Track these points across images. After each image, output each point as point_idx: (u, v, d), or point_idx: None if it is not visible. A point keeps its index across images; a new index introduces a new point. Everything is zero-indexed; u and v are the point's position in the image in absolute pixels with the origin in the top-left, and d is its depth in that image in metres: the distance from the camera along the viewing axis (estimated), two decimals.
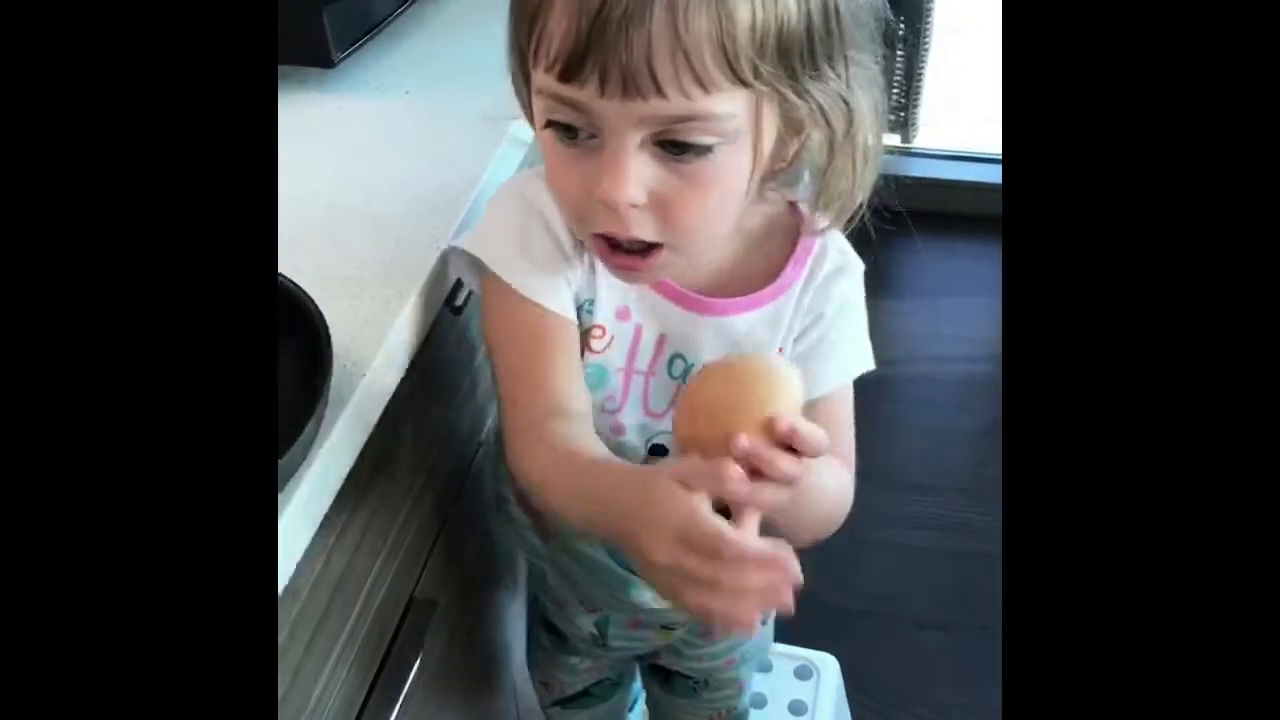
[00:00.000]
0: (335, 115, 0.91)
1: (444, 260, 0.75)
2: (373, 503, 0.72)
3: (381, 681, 0.77)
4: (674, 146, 0.58)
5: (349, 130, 0.90)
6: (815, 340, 0.71)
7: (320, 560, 0.65)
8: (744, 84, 0.56)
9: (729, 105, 0.57)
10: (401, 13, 1.01)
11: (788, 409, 0.54)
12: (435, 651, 0.84)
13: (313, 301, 0.63)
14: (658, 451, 0.74)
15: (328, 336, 0.61)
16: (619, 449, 0.72)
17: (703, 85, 0.55)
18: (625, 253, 0.63)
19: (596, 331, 0.71)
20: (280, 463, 0.54)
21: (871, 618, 1.52)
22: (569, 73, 0.56)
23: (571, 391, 0.67)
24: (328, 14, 0.89)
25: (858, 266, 0.72)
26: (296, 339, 0.61)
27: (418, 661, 0.77)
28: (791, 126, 0.61)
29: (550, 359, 0.67)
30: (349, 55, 0.93)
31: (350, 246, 0.75)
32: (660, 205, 0.60)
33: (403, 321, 0.70)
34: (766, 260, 0.71)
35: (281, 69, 0.93)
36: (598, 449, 0.64)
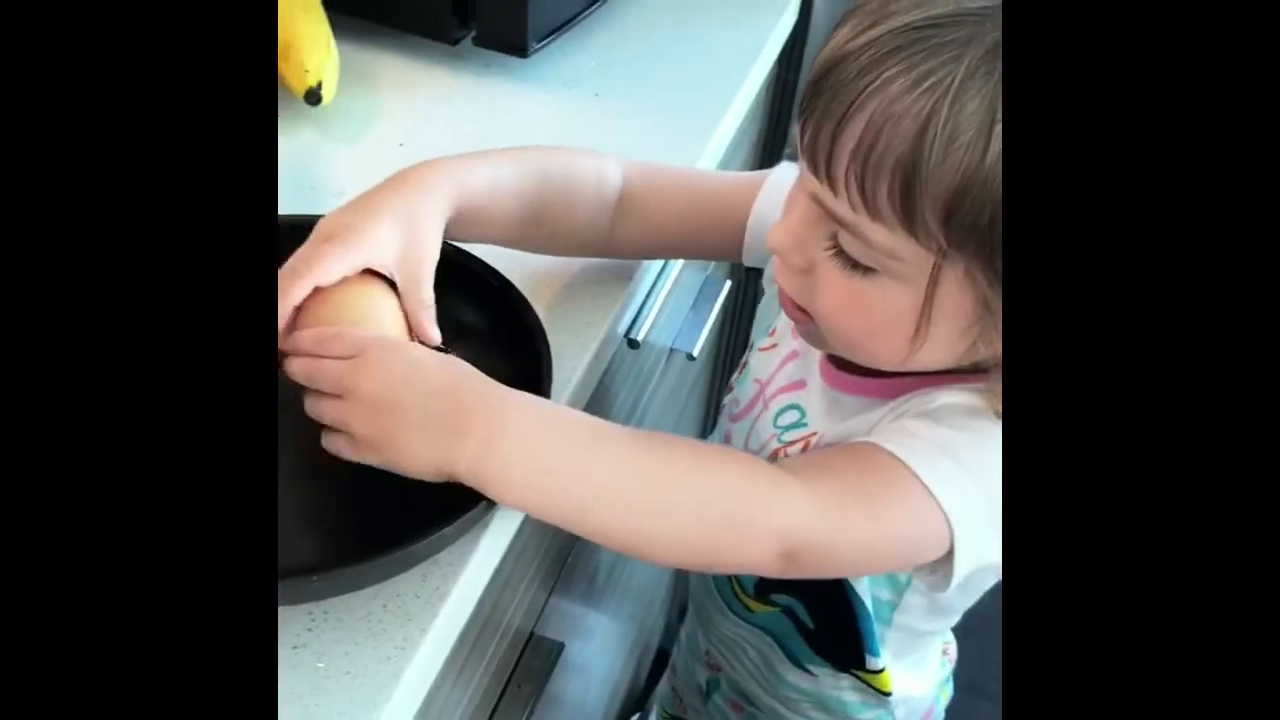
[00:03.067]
0: (523, 107, 0.87)
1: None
2: (527, 534, 0.68)
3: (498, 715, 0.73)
4: (838, 249, 0.52)
5: (537, 125, 0.85)
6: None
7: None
8: (913, 234, 0.48)
9: (894, 244, 0.49)
10: (595, 9, 0.96)
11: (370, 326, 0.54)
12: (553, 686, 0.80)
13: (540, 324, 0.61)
14: None
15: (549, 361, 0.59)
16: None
17: (869, 208, 0.49)
18: (791, 302, 0.58)
19: (771, 331, 0.69)
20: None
21: None
22: (800, 111, 0.52)
23: None
24: (531, 0, 0.84)
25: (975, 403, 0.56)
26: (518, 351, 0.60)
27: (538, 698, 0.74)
28: (984, 304, 0.51)
29: None
30: (543, 46, 0.88)
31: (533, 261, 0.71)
32: (815, 282, 0.54)
33: (592, 357, 0.66)
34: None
35: (473, 52, 0.89)
36: None
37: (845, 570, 0.59)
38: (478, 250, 0.65)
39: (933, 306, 0.50)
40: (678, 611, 1.43)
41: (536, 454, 0.49)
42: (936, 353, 0.53)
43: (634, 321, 0.77)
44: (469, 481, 0.50)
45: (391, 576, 0.52)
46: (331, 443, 0.51)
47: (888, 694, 0.71)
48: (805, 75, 0.94)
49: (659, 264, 0.81)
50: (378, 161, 0.73)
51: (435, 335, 0.56)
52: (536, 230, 0.65)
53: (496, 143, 0.72)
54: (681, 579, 1.35)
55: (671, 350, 0.98)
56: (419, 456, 0.49)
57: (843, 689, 0.72)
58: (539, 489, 0.50)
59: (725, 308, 1.04)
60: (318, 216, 0.58)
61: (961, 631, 0.77)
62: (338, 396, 0.51)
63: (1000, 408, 0.52)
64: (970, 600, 0.66)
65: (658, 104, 0.88)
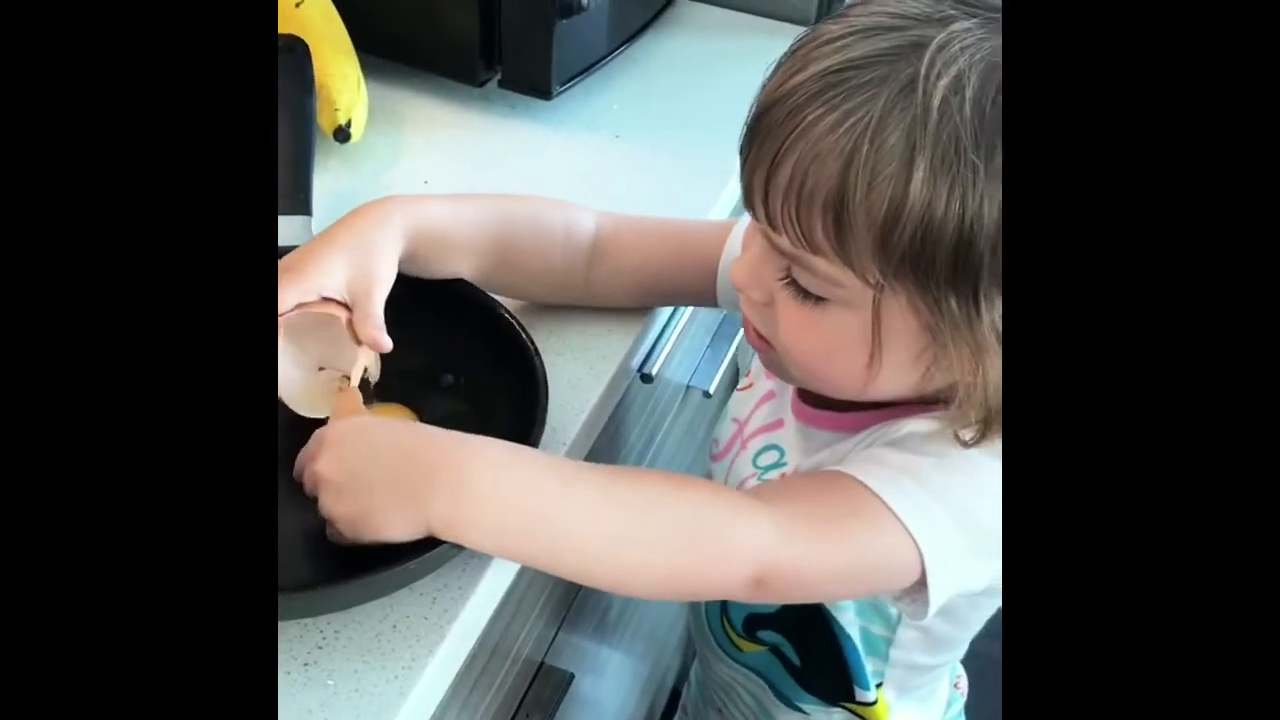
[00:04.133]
0: (545, 148, 0.89)
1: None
2: None
3: None
4: (793, 278, 0.53)
5: (559, 165, 0.87)
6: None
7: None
8: (850, 266, 0.50)
9: (836, 274, 0.50)
10: (622, 51, 0.98)
11: None
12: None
13: (538, 355, 0.63)
14: None
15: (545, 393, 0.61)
16: None
17: (808, 243, 0.50)
18: (755, 332, 0.59)
19: (747, 372, 0.71)
20: None
21: None
22: (740, 155, 0.54)
23: None
24: (556, 43, 0.87)
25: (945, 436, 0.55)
26: (517, 385, 0.62)
27: None
28: (930, 331, 0.51)
29: None
30: (566, 89, 0.91)
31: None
32: (775, 315, 0.56)
33: (605, 389, 0.67)
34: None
35: (498, 94, 0.91)
36: None
37: (816, 594, 0.59)
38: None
39: (881, 334, 0.52)
40: (692, 653, 1.43)
41: (504, 497, 0.50)
42: (894, 381, 0.54)
43: (648, 356, 0.79)
44: (445, 535, 0.50)
45: (398, 589, 0.54)
46: (330, 533, 0.53)
47: None
48: None
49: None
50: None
51: (385, 343, 0.59)
52: (506, 271, 0.67)
53: (519, 182, 0.74)
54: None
55: (688, 387, 0.99)
56: (393, 524, 0.50)
57: None
58: (511, 531, 0.50)
59: (742, 346, 1.06)
60: None
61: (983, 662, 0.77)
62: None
63: (964, 433, 0.52)
64: (970, 631, 0.67)
65: (678, 146, 0.90)
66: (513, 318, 0.65)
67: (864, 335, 0.52)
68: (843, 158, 0.47)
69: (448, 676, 0.55)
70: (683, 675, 1.44)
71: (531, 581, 0.70)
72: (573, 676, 0.79)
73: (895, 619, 0.64)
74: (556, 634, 0.81)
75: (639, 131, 0.92)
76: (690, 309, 0.86)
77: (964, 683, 0.81)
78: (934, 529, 0.51)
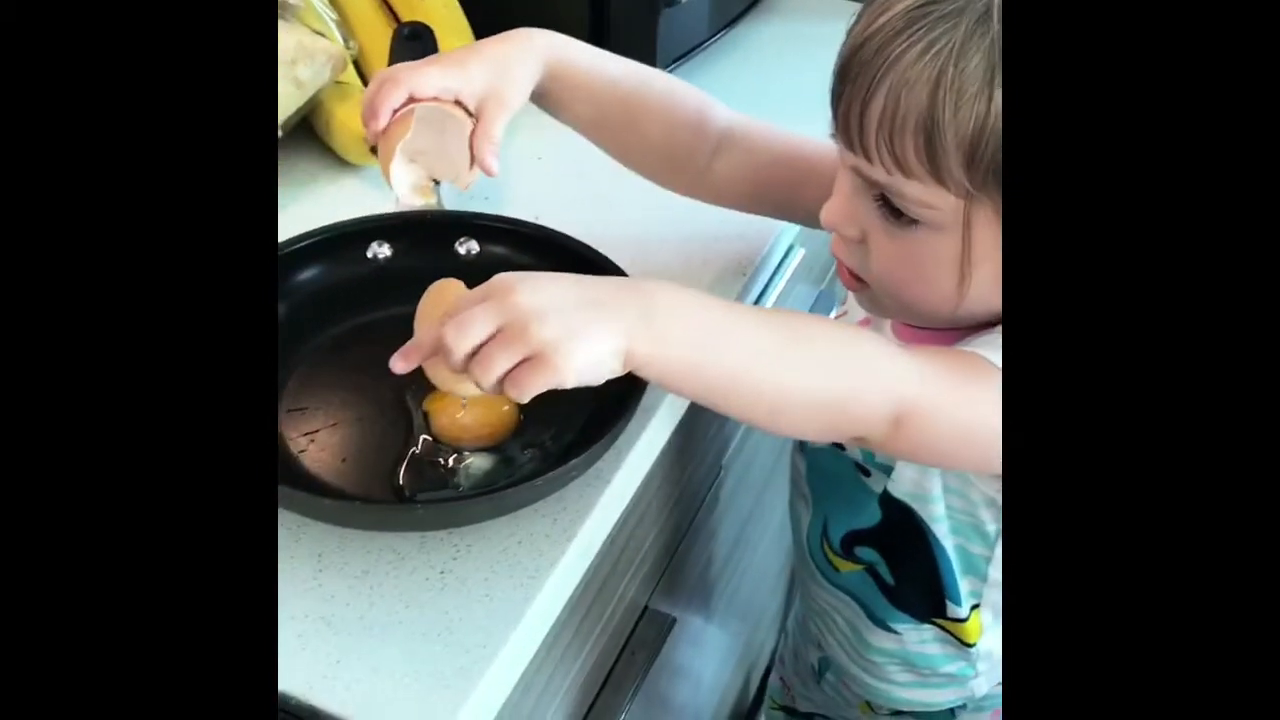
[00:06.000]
0: None
1: None
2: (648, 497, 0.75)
3: (609, 687, 0.78)
4: (887, 206, 0.58)
5: None
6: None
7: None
8: (941, 183, 0.54)
9: (929, 196, 0.55)
10: (722, 35, 1.03)
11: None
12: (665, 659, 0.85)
13: None
14: None
15: None
16: None
17: (901, 168, 0.55)
18: (849, 271, 0.64)
19: (843, 301, 0.76)
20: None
21: None
22: (831, 96, 0.58)
23: None
24: (661, 27, 0.92)
25: None
26: None
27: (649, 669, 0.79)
28: None
29: None
30: (671, 70, 0.96)
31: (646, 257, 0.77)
32: (868, 248, 0.60)
33: None
34: None
35: None
36: None
37: (943, 453, 0.59)
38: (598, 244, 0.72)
39: (971, 248, 0.56)
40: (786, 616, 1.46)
41: (689, 313, 0.52)
42: (984, 298, 0.58)
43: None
44: (641, 352, 0.49)
45: (523, 507, 0.60)
46: (513, 382, 0.49)
47: (971, 645, 0.74)
48: None
49: (769, 271, 0.86)
50: (518, 172, 0.81)
51: (494, 167, 0.63)
52: (629, 133, 0.71)
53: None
54: (791, 585, 1.38)
55: None
56: (602, 338, 0.49)
57: (926, 642, 0.75)
58: (695, 347, 0.51)
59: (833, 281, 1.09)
60: None
61: None
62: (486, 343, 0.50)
63: None
64: None
65: (777, 124, 0.94)
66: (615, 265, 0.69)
67: (954, 256, 0.56)
68: (930, 83, 0.52)
69: (567, 589, 0.60)
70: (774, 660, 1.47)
71: (642, 517, 0.75)
72: (675, 620, 0.84)
73: (993, 536, 0.67)
74: (658, 584, 0.86)
75: (740, 111, 0.96)
76: (787, 278, 0.90)
77: None
78: None
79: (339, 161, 0.87)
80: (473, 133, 0.64)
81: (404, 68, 0.64)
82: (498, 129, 0.64)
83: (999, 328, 0.59)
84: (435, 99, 0.64)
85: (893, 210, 0.57)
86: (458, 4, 0.93)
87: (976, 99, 0.52)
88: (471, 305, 0.50)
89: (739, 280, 0.78)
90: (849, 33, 0.57)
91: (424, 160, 0.65)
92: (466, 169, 0.64)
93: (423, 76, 0.63)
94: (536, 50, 0.67)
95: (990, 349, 0.56)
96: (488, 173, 0.64)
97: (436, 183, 0.65)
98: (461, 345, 0.49)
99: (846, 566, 0.77)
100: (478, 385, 0.50)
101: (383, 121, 0.62)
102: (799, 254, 0.91)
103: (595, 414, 0.63)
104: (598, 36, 0.95)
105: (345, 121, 0.84)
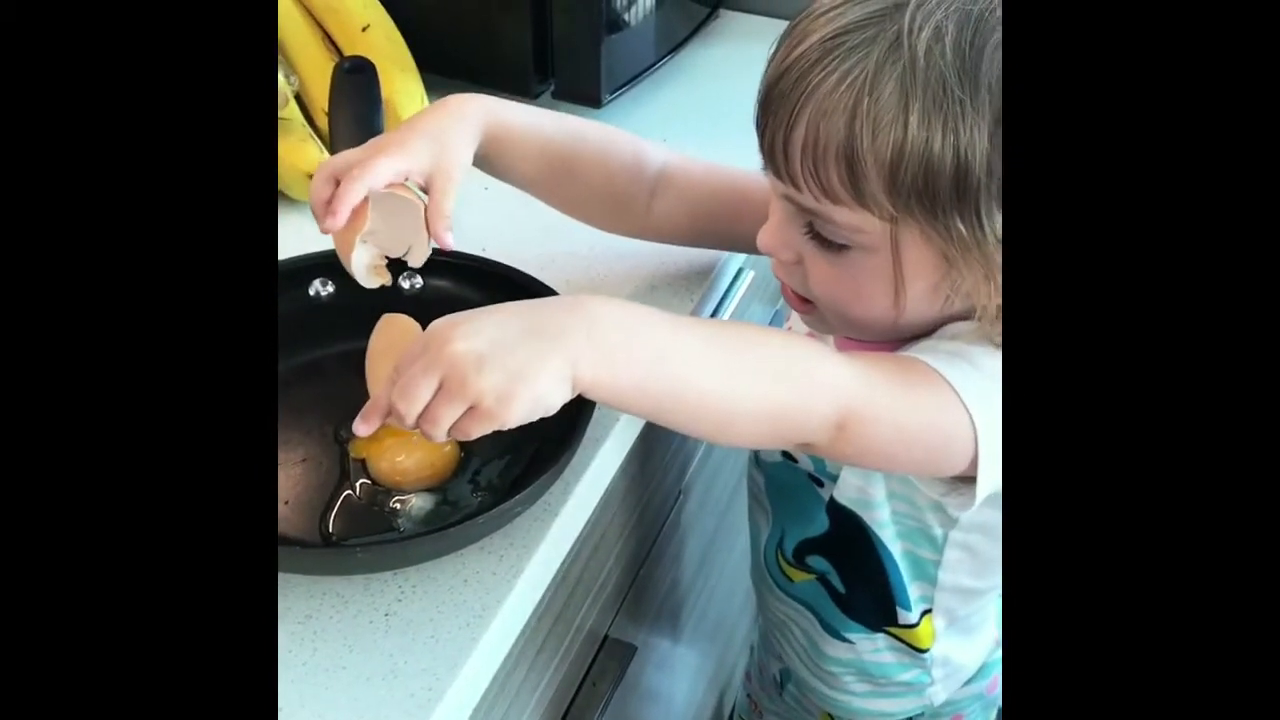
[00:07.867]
0: None
1: None
2: (601, 532, 0.74)
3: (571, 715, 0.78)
4: (818, 234, 0.59)
5: None
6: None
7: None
8: (866, 208, 0.55)
9: (856, 220, 0.56)
10: (668, 60, 1.03)
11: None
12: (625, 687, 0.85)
13: None
14: None
15: None
16: None
17: (827, 195, 0.56)
18: (793, 292, 0.65)
19: (788, 318, 0.76)
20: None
21: None
22: (756, 127, 0.60)
23: None
24: (605, 54, 0.92)
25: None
26: None
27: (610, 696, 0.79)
28: (944, 257, 0.57)
29: None
30: (615, 98, 0.96)
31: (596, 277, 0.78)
32: (805, 271, 0.62)
33: None
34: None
35: (551, 104, 0.97)
36: None
37: (886, 455, 0.58)
38: (545, 275, 0.72)
39: (902, 268, 0.57)
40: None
41: (632, 329, 0.51)
42: (919, 312, 0.59)
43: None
44: (589, 377, 0.49)
45: (468, 545, 0.59)
46: (458, 430, 0.50)
47: (924, 651, 0.75)
48: None
49: (719, 294, 0.86)
50: (465, 199, 0.81)
51: (450, 242, 0.62)
52: (571, 184, 0.72)
53: None
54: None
55: None
56: (546, 374, 0.49)
57: (880, 651, 0.76)
58: (645, 362, 0.50)
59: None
60: None
61: None
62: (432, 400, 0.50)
63: (996, 338, 0.57)
64: None
65: (723, 152, 0.93)
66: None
67: (887, 273, 0.57)
68: (847, 112, 0.53)
69: (516, 625, 0.59)
70: None
71: (598, 545, 0.75)
72: (635, 649, 0.83)
73: (941, 540, 0.68)
74: (618, 611, 0.85)
75: (686, 135, 0.97)
76: (739, 298, 0.90)
77: None
78: (989, 410, 0.54)
79: (281, 197, 0.86)
80: (426, 210, 0.63)
81: (350, 160, 0.62)
82: (449, 204, 0.63)
83: (937, 333, 0.61)
84: (388, 185, 0.63)
85: (823, 237, 0.58)
86: (401, 38, 0.93)
87: (893, 125, 0.53)
88: (413, 361, 0.50)
89: (688, 304, 0.78)
90: (769, 63, 0.58)
91: (375, 239, 0.64)
92: (421, 245, 0.64)
93: (374, 170, 0.61)
94: (472, 118, 0.67)
95: (929, 354, 0.57)
96: (445, 249, 0.63)
97: (388, 260, 0.65)
98: (410, 411, 0.50)
99: (800, 576, 0.78)
100: (429, 439, 0.51)
101: (343, 220, 0.60)
102: (749, 276, 0.91)
103: (543, 446, 0.63)
104: (542, 64, 0.95)
105: (286, 157, 0.84)
